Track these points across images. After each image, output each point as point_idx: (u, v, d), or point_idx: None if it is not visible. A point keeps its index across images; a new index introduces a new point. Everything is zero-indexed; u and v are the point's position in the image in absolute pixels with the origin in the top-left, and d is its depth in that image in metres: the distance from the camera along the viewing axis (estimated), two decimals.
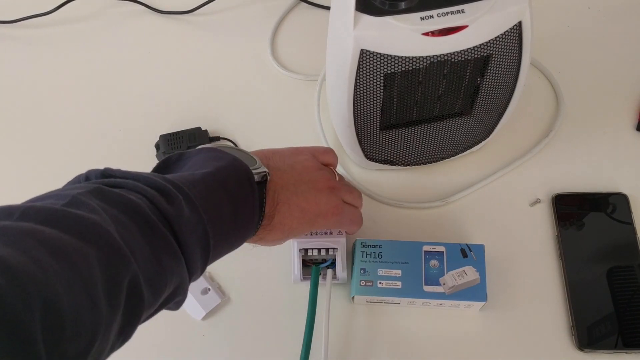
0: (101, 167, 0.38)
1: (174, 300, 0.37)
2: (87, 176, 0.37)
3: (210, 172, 0.39)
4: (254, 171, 0.42)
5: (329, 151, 0.53)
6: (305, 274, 0.54)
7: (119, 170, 0.37)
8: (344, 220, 0.50)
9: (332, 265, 0.54)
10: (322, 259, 0.54)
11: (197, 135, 0.64)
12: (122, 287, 0.30)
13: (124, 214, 0.33)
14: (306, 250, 0.54)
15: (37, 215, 0.29)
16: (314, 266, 0.53)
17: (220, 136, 0.65)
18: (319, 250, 0.54)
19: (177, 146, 0.63)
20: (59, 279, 0.26)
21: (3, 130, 0.69)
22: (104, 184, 0.34)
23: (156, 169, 0.42)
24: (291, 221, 0.45)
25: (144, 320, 0.35)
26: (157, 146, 0.65)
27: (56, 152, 0.67)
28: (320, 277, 0.53)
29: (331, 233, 0.54)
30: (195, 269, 0.37)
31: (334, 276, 0.54)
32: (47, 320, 0.25)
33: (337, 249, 0.54)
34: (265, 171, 0.43)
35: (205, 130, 0.65)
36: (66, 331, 0.26)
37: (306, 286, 0.53)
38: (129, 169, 0.37)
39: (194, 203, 0.36)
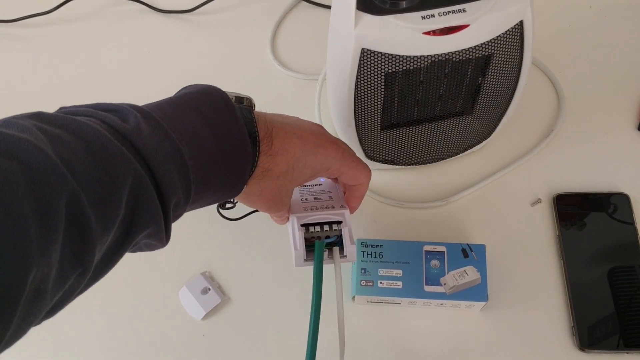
0: None
1: (143, 229, 0.33)
2: None
3: (178, 96, 0.37)
4: (235, 95, 0.39)
5: None
6: (308, 257, 0.48)
7: (73, 105, 0.35)
8: (347, 159, 0.45)
9: (337, 243, 0.49)
10: (326, 236, 0.49)
11: None
12: (57, 207, 0.27)
13: (69, 133, 0.30)
14: (307, 228, 0.48)
15: None
16: (317, 241, 0.48)
17: None
18: (322, 226, 0.48)
19: None
20: None
21: None
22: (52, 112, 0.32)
23: None
24: (293, 147, 0.41)
25: (113, 255, 0.32)
26: None
27: None
28: (326, 257, 0.48)
29: (333, 207, 0.49)
30: (173, 190, 0.33)
31: (342, 254, 0.48)
32: None
33: (341, 222, 0.48)
34: (250, 97, 0.40)
35: None
36: None
37: (308, 282, 0.51)
38: None
39: (156, 119, 0.33)
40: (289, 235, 0.49)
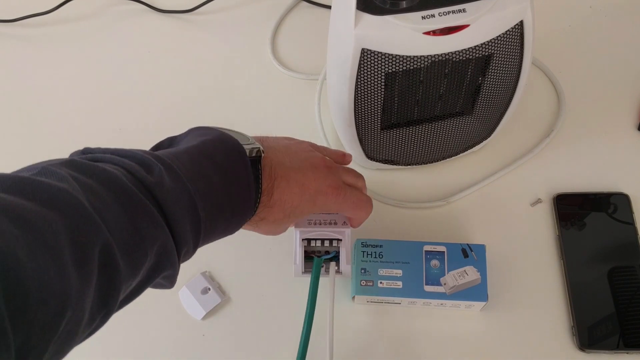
0: None
1: (162, 273, 0.35)
2: (70, 156, 0.36)
3: (195, 145, 0.39)
4: (245, 146, 0.40)
5: (325, 147, 0.52)
6: (307, 268, 0.51)
7: (98, 148, 0.37)
8: (347, 201, 0.47)
9: (335, 258, 0.52)
10: (325, 251, 0.52)
11: None
12: (92, 255, 0.29)
13: (99, 183, 0.32)
14: (309, 241, 0.51)
15: (1, 183, 0.28)
16: (315, 257, 0.51)
17: None
18: (322, 241, 0.51)
19: None
20: (19, 244, 0.25)
21: (3, 129, 0.69)
22: (81, 159, 0.34)
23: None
24: (292, 198, 0.43)
25: (132, 295, 0.34)
26: None
27: (55, 151, 0.66)
28: (323, 271, 0.51)
29: (336, 223, 0.52)
30: (185, 241, 0.36)
31: (337, 270, 0.51)
32: (8, 286, 0.24)
33: (341, 240, 0.51)
34: (258, 147, 0.42)
35: None
36: (31, 298, 0.25)
37: (307, 284, 0.52)
38: None
39: (177, 172, 0.35)
40: (292, 244, 0.52)
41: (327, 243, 0.51)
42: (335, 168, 0.48)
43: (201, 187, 0.36)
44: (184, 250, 0.36)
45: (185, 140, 0.41)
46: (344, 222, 0.52)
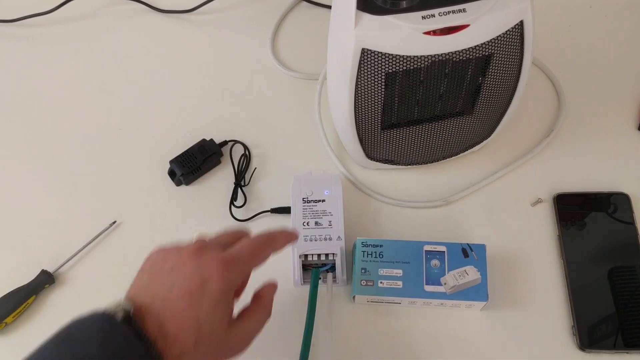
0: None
1: None
2: None
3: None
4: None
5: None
6: (305, 278, 0.54)
7: None
8: (238, 262, 0.42)
9: (332, 268, 0.54)
10: (322, 263, 0.54)
11: (206, 147, 0.63)
12: None
13: None
14: (306, 255, 0.54)
15: None
16: (313, 269, 0.53)
17: (227, 139, 0.65)
18: (319, 255, 0.54)
19: (193, 164, 0.61)
20: None
21: (2, 129, 0.69)
22: None
23: None
24: (190, 338, 0.37)
25: None
26: (172, 172, 0.62)
27: (56, 151, 0.67)
28: (320, 281, 0.53)
29: (330, 239, 0.54)
30: None
31: (334, 279, 0.54)
32: None
33: (336, 254, 0.54)
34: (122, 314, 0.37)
35: (211, 140, 0.64)
36: None
37: (307, 289, 0.53)
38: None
39: None
40: (291, 260, 0.55)
41: (323, 257, 0.54)
42: (200, 254, 0.40)
43: None
44: None
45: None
46: (339, 237, 0.54)
